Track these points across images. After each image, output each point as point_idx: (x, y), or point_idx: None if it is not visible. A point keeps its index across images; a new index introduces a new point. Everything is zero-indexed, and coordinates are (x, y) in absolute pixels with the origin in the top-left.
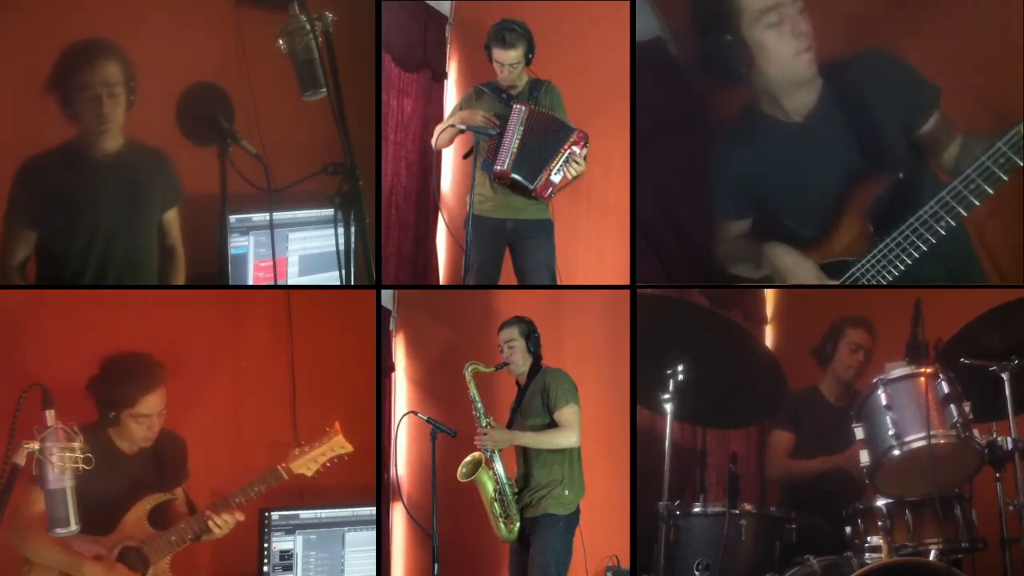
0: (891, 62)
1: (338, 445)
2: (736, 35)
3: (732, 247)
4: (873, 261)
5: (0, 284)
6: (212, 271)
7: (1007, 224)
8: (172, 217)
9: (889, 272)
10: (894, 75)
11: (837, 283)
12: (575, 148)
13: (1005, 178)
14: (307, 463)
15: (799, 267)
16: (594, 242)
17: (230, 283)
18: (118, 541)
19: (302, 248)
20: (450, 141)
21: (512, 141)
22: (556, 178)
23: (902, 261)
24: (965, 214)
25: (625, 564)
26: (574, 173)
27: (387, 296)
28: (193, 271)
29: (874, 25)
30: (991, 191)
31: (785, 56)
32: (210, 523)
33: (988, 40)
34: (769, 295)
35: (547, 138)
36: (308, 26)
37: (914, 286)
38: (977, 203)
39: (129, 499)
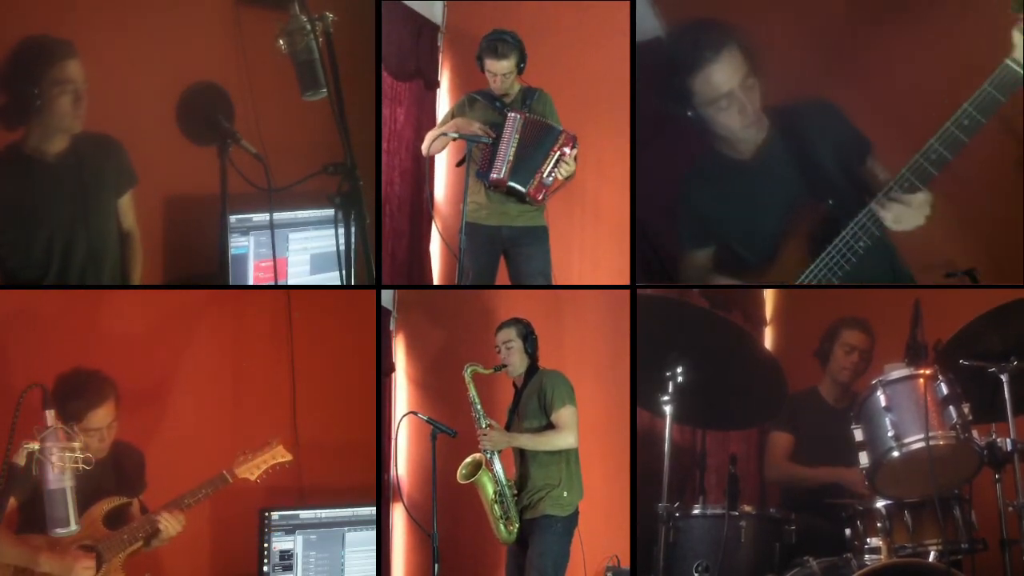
0: (832, 113)
1: (279, 454)
2: (693, 110)
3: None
4: (806, 279)
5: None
6: (212, 271)
7: (1007, 224)
8: (127, 202)
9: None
10: (833, 125)
11: (837, 284)
12: (565, 149)
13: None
14: (251, 468)
15: None
16: (588, 248)
17: (230, 283)
18: (74, 540)
19: (312, 247)
20: (443, 147)
21: (508, 149)
22: (548, 180)
23: (835, 275)
24: (879, 234)
25: (626, 564)
26: (565, 174)
27: (387, 296)
28: (193, 271)
29: (820, 75)
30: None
31: (733, 130)
32: (160, 524)
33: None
34: (769, 296)
35: (538, 142)
36: (308, 26)
37: (914, 287)
38: (878, 233)
39: (87, 503)
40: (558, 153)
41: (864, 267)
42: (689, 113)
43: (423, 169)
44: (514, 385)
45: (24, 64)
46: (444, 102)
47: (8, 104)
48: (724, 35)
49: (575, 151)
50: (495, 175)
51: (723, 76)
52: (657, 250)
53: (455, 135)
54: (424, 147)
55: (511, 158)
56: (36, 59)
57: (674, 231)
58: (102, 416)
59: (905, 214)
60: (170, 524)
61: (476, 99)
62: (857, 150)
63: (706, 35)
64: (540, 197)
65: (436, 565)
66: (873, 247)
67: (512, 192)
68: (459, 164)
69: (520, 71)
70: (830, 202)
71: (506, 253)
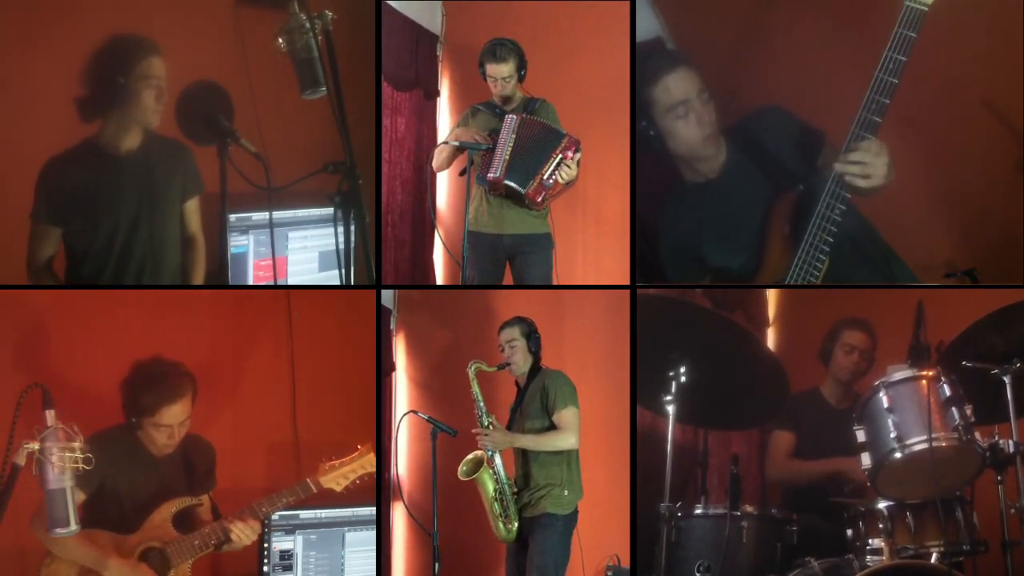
0: (781, 116)
1: (369, 463)
2: (651, 122)
3: None
4: (797, 269)
5: (2, 284)
6: (212, 270)
7: (1007, 224)
8: (192, 207)
9: (812, 276)
10: (782, 124)
11: (838, 284)
12: (568, 153)
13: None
14: (337, 478)
15: None
16: (591, 252)
17: (230, 283)
18: (141, 541)
19: (319, 245)
20: (449, 162)
21: (505, 150)
22: (548, 182)
23: (819, 260)
24: (849, 196)
25: (626, 564)
26: (566, 178)
27: (388, 296)
28: None
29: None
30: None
31: (692, 141)
32: (232, 532)
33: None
34: (771, 296)
35: (539, 144)
36: (308, 25)
37: (915, 287)
38: (849, 196)
39: (155, 500)
40: (560, 156)
41: (864, 271)
42: (652, 132)
43: (424, 178)
44: (516, 384)
45: (114, 58)
46: (444, 112)
47: (90, 96)
48: (678, 56)
49: (578, 155)
50: (492, 174)
51: (680, 86)
52: (658, 251)
53: (455, 143)
54: (433, 163)
55: (507, 157)
56: (126, 54)
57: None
58: (177, 412)
59: (868, 166)
60: (244, 534)
61: (479, 110)
62: (812, 143)
63: (662, 54)
64: (540, 199)
65: (436, 564)
66: (868, 246)
67: (511, 193)
68: (462, 174)
69: (521, 78)
70: (800, 187)
71: (511, 261)
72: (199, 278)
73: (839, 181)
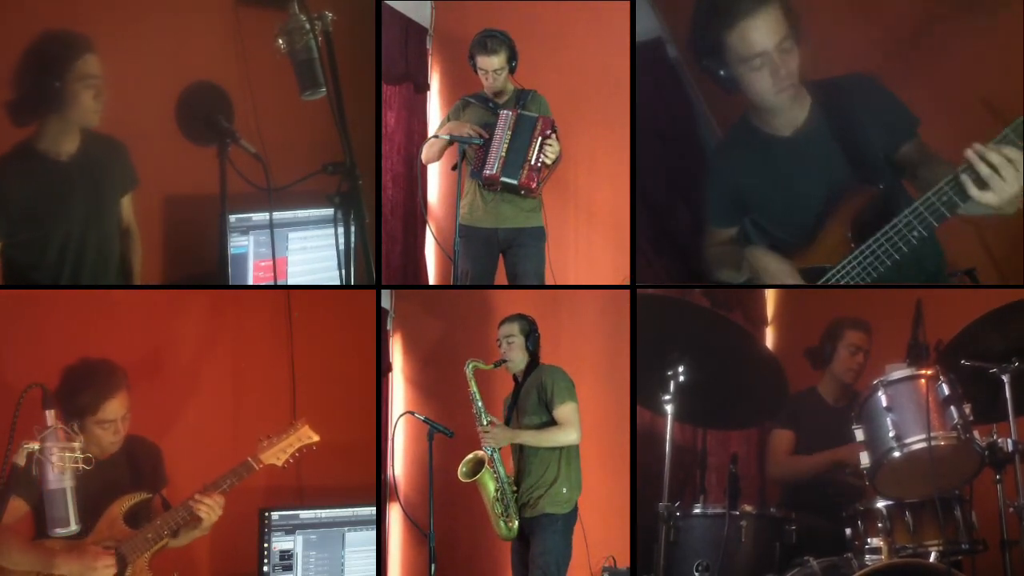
0: (875, 88)
1: (305, 436)
2: (726, 68)
3: (718, 252)
4: (848, 268)
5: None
6: (212, 271)
7: (1007, 224)
8: (127, 202)
9: (863, 279)
10: (877, 100)
11: (836, 284)
12: (546, 132)
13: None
14: (276, 453)
15: (780, 272)
16: (583, 247)
17: (230, 283)
18: (96, 543)
19: (329, 244)
20: (439, 155)
21: (501, 146)
22: (537, 165)
23: (875, 268)
24: (936, 225)
25: (622, 564)
26: (552, 156)
27: (384, 295)
28: (193, 271)
29: (867, 51)
30: (961, 203)
31: (765, 94)
32: (201, 510)
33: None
34: (770, 296)
35: (523, 135)
36: (308, 25)
37: (915, 286)
38: (948, 215)
39: (104, 501)
40: (540, 138)
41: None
42: (721, 72)
43: (415, 173)
44: (514, 379)
45: (47, 58)
46: (434, 105)
47: (21, 99)
48: None
49: (555, 133)
50: (488, 171)
51: (759, 34)
52: (708, 188)
53: (447, 137)
54: (422, 155)
55: (503, 154)
56: (59, 53)
57: (698, 204)
58: (116, 407)
59: (1004, 171)
60: (212, 510)
61: (470, 102)
62: (904, 127)
63: None
64: (534, 185)
65: (433, 565)
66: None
67: (507, 188)
68: (454, 168)
69: (512, 69)
70: (880, 186)
71: (504, 254)
72: (138, 269)
73: (932, 207)
